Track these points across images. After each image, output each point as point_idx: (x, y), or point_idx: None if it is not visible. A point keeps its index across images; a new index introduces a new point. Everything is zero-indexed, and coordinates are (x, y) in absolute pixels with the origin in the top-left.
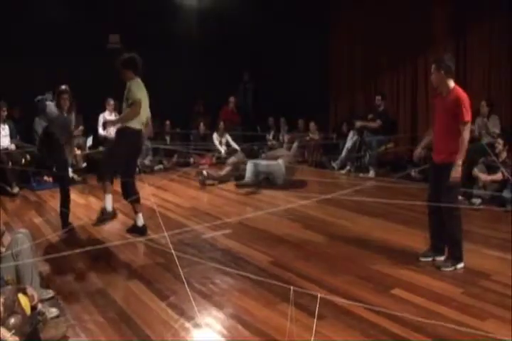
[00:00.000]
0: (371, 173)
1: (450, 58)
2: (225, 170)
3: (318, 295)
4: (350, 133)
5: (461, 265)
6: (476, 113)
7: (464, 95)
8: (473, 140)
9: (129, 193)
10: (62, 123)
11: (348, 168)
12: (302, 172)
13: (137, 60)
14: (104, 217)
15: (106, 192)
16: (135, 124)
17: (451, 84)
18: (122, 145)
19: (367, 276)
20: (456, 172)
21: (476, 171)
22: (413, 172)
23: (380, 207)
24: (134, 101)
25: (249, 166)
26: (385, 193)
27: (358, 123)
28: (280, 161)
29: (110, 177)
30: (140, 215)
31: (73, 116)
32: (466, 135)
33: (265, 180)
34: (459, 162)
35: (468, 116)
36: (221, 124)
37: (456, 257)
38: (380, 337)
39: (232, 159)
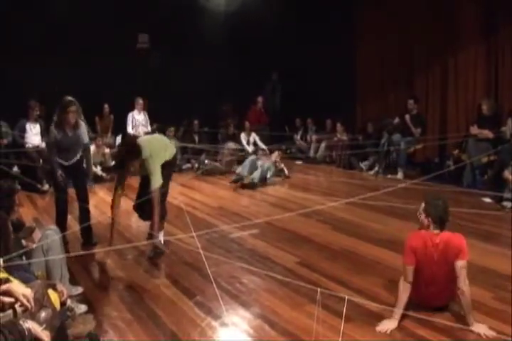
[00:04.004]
0: (400, 175)
1: None
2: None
3: (346, 298)
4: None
5: None
6: (508, 114)
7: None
8: (504, 141)
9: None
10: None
11: (376, 169)
12: (331, 174)
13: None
14: (162, 250)
15: (162, 229)
16: (161, 160)
17: None
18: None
19: (395, 279)
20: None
21: (506, 173)
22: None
23: (410, 209)
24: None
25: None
26: (415, 195)
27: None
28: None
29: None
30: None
31: (82, 131)
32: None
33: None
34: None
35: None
36: (246, 124)
37: None
38: (407, 339)
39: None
